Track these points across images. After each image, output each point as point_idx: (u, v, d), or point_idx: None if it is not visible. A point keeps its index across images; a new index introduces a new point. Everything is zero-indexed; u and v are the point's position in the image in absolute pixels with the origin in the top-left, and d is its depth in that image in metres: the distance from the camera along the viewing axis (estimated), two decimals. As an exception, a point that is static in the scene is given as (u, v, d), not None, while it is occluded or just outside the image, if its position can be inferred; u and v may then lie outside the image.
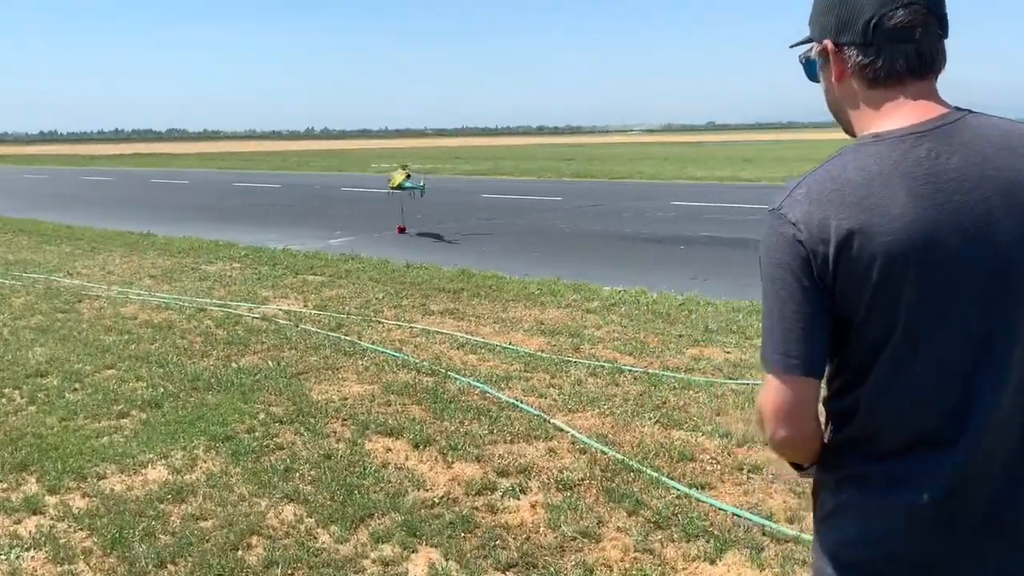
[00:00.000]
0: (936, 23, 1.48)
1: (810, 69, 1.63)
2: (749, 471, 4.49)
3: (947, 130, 1.45)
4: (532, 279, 10.03)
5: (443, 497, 4.26)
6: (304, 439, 5.06)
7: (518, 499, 4.25)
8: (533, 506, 4.16)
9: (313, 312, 8.53)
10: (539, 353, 6.84)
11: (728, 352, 6.77)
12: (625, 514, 4.04)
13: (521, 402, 5.63)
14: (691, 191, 24.51)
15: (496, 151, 73.38)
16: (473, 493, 4.30)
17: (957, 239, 1.40)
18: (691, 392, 5.79)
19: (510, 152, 69.38)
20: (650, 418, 5.29)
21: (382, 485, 4.41)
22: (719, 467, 4.55)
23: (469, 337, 7.39)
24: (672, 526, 3.91)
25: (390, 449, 4.91)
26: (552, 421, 5.26)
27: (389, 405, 5.66)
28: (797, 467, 1.65)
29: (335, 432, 5.19)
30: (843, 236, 1.40)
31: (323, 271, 11.02)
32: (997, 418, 1.45)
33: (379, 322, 8.07)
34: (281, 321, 8.13)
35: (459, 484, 4.41)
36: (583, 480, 4.41)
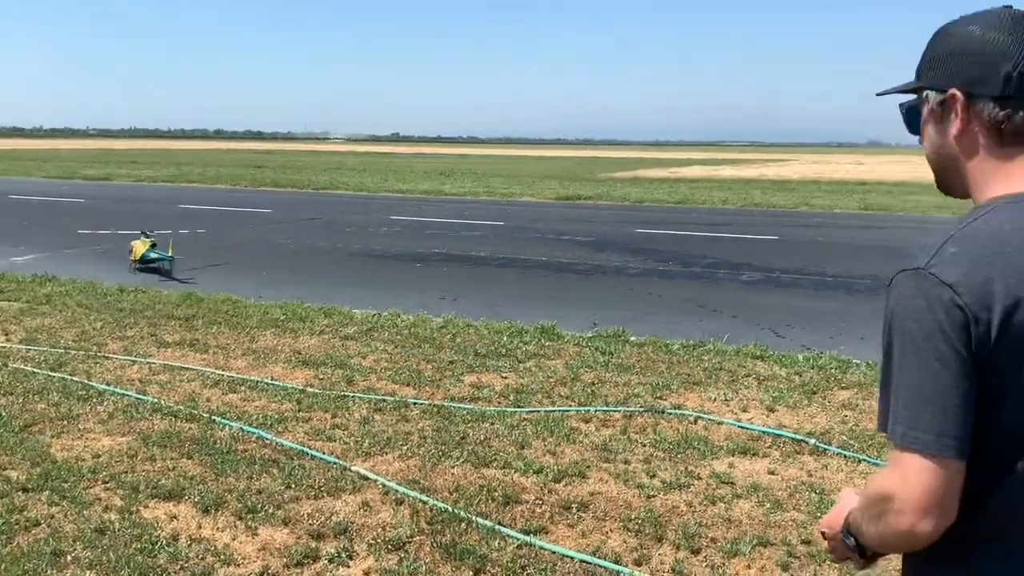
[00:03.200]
0: None
1: (913, 119, 1.50)
2: (578, 509, 4.35)
3: None
4: (271, 302, 9.35)
5: (261, 573, 3.70)
6: (64, 510, 4.22)
7: (347, 566, 3.79)
8: (367, 573, 3.74)
9: (22, 347, 7.30)
10: (309, 388, 6.31)
11: (506, 378, 6.65)
12: (472, 573, 3.74)
13: (310, 448, 5.12)
14: (404, 205, 24.44)
15: (175, 156, 69.01)
16: (294, 564, 3.78)
17: None
18: (487, 424, 5.59)
19: (192, 157, 65.56)
20: (457, 457, 5.01)
21: (182, 563, 3.76)
22: (546, 507, 4.38)
23: (222, 373, 6.66)
24: (526, 582, 3.67)
25: (175, 516, 4.22)
26: (354, 469, 4.82)
27: (155, 461, 4.90)
28: (862, 554, 1.46)
29: (100, 499, 4.38)
30: (1011, 302, 1.25)
31: (17, 296, 9.54)
32: None
33: (107, 357, 7.07)
34: (-18, 360, 6.86)
35: (273, 554, 3.86)
36: (412, 537, 4.03)
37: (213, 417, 5.62)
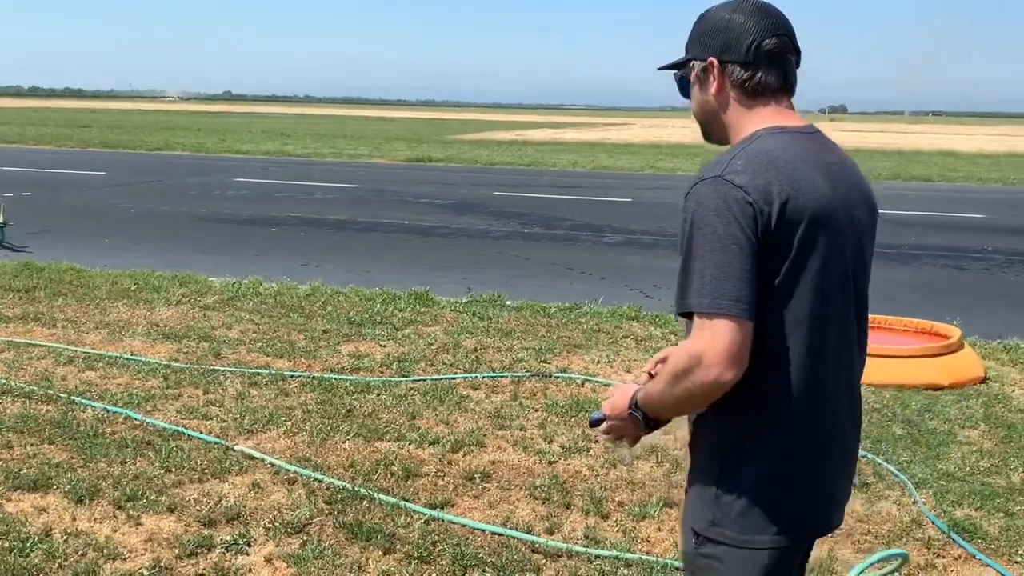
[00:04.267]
0: (795, 54, 1.82)
1: (684, 87, 1.90)
2: (481, 479, 4.25)
3: (818, 135, 1.82)
4: (119, 271, 8.72)
5: (153, 566, 3.41)
6: (-91, 512, 3.76)
7: (247, 554, 3.54)
8: (269, 560, 3.50)
9: None
10: (174, 363, 5.91)
11: (385, 346, 6.45)
12: (381, 552, 3.57)
13: (186, 428, 4.78)
14: (248, 167, 23.42)
15: (-12, 114, 63.59)
16: (187, 555, 3.50)
17: (843, 215, 1.74)
18: (372, 395, 5.39)
19: (7, 115, 60.59)
20: (346, 431, 4.80)
21: (60, 560, 3.41)
22: (448, 479, 4.25)
23: (75, 349, 6.15)
24: (439, 559, 3.54)
25: (44, 509, 3.84)
26: (237, 448, 4.53)
27: (12, 448, 4.45)
28: (647, 424, 1.80)
29: (-48, 495, 3.94)
30: (783, 200, 1.64)
31: None
32: (854, 367, 1.84)
33: (-63, 335, 6.41)
34: None
35: (162, 545, 3.57)
36: (312, 519, 3.82)
37: (72, 397, 5.17)
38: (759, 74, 1.76)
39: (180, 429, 4.75)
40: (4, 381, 5.41)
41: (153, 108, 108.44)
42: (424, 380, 5.70)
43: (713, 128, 1.86)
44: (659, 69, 1.94)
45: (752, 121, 1.78)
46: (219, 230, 12.58)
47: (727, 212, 1.61)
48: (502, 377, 5.80)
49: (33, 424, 4.75)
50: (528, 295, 8.21)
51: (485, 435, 4.81)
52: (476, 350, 6.39)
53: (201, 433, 4.71)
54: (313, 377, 5.70)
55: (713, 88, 1.81)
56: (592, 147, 38.13)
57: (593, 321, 7.25)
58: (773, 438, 1.72)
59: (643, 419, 1.78)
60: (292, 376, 5.72)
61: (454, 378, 5.77)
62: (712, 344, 1.59)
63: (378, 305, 7.62)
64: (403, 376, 5.78)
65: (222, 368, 5.84)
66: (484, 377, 5.78)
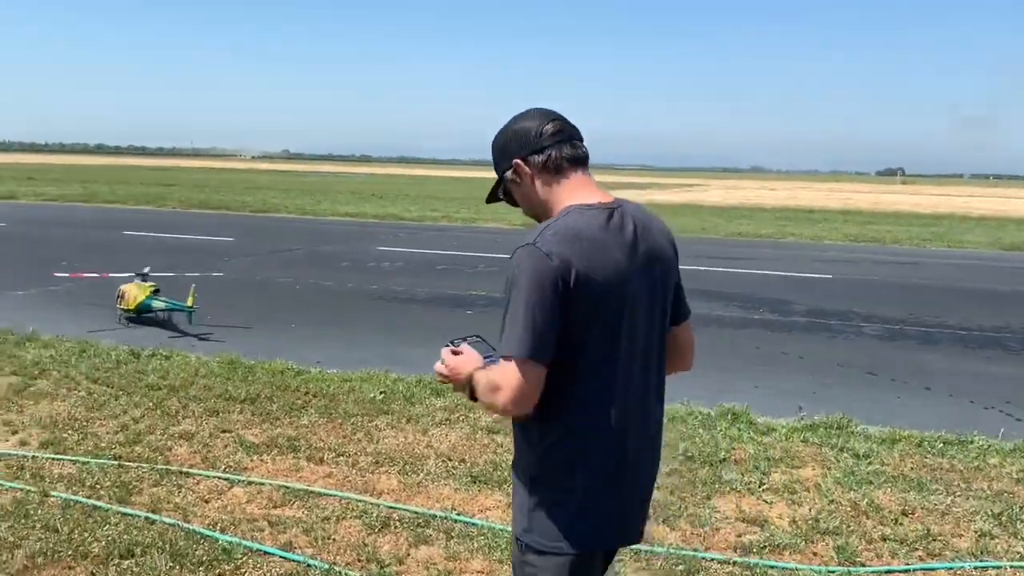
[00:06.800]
0: (576, 131, 2.22)
1: (510, 196, 2.28)
2: None
3: (621, 209, 2.15)
4: (345, 372, 7.21)
5: None
6: None
7: None
8: None
9: (49, 457, 5.07)
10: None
11: (770, 503, 4.80)
12: None
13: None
14: (379, 233, 22.10)
15: (71, 172, 64.09)
16: None
17: (638, 280, 2.10)
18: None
19: (87, 173, 60.91)
20: None
21: None
22: None
23: (377, 503, 4.62)
24: None
25: None
26: None
27: None
28: (472, 397, 2.13)
29: None
30: (582, 269, 2.01)
31: (-4, 363, 7.15)
32: (649, 405, 2.19)
33: (185, 473, 4.94)
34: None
35: None
36: None
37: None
38: (552, 152, 2.16)
39: None
40: (324, 566, 3.86)
41: (224, 167, 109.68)
42: (892, 572, 4.04)
43: (541, 215, 2.21)
44: (488, 202, 2.38)
45: (562, 195, 2.17)
46: (407, 312, 11.06)
47: (538, 274, 1.98)
48: (993, 567, 4.11)
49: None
50: (842, 409, 6.54)
51: None
52: (907, 513, 4.71)
53: None
54: (735, 563, 4.07)
55: (527, 182, 2.20)
56: (696, 209, 36.53)
57: (1008, 463, 5.53)
58: (573, 466, 2.08)
59: (470, 392, 2.14)
60: (704, 558, 4.10)
61: (932, 568, 4.10)
62: (509, 382, 1.99)
63: (700, 430, 5.99)
64: (850, 564, 4.11)
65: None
66: (968, 568, 4.10)
